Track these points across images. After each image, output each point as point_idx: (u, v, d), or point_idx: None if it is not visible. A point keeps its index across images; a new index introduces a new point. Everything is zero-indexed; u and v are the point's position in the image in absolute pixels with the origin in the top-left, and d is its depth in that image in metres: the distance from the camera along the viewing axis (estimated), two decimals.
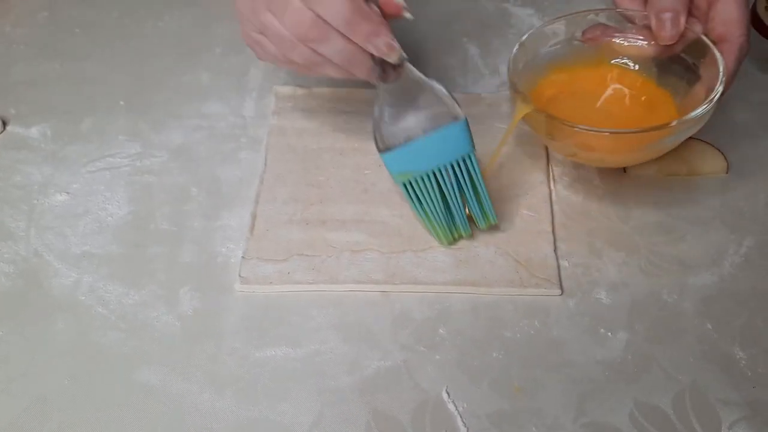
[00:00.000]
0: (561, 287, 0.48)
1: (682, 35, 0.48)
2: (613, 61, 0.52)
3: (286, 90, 0.61)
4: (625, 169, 0.54)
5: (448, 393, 0.44)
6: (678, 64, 0.50)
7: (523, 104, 0.47)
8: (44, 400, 0.44)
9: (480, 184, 0.47)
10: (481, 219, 0.49)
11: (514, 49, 0.51)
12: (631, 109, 0.51)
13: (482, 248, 0.50)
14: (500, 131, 0.56)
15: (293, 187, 0.54)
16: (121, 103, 0.61)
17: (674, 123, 0.45)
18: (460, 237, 0.50)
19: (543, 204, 0.52)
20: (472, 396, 0.43)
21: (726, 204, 0.52)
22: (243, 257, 0.50)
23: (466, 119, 0.45)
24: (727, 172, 0.54)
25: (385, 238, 0.51)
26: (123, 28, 0.68)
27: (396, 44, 0.43)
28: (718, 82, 0.46)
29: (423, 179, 0.46)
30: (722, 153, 0.54)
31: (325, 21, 0.42)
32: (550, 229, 0.51)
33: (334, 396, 0.44)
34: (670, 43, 0.49)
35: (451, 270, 0.49)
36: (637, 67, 0.52)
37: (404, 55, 0.44)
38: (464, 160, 0.46)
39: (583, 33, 0.52)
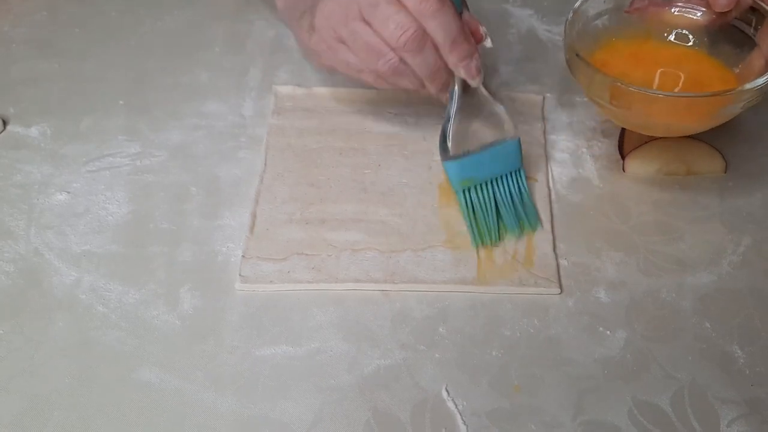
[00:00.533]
0: (560, 286, 0.48)
1: (737, 2, 0.47)
2: (664, 35, 0.51)
3: (286, 89, 0.61)
4: (624, 169, 0.55)
5: (447, 391, 0.44)
6: (731, 34, 0.49)
7: (589, 68, 0.47)
8: (44, 398, 0.44)
9: (526, 195, 0.52)
10: (527, 225, 0.51)
11: (569, 16, 0.50)
12: (688, 80, 0.50)
13: (481, 247, 0.50)
14: None
15: (293, 186, 0.54)
16: (121, 102, 0.61)
17: (747, 86, 0.43)
18: (499, 240, 0.51)
19: (542, 203, 0.52)
20: (472, 394, 0.44)
21: (724, 203, 0.53)
22: (243, 256, 0.50)
23: (519, 138, 0.50)
24: (725, 172, 0.54)
25: (384, 238, 0.51)
26: (122, 28, 0.68)
27: (482, 69, 0.47)
28: None
29: (479, 187, 0.50)
30: (720, 153, 0.54)
31: (428, 34, 0.44)
32: (549, 228, 0.51)
33: (334, 394, 0.44)
34: (726, 10, 0.47)
35: (451, 269, 0.49)
36: (690, 39, 0.50)
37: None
38: (515, 173, 0.51)
39: (630, 3, 0.51)
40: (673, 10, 0.51)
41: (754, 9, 0.47)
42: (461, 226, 0.51)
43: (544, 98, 0.60)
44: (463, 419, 0.43)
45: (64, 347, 0.46)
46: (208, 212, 0.53)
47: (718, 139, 0.55)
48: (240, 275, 0.49)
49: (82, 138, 0.58)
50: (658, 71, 0.51)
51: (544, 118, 0.58)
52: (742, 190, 0.53)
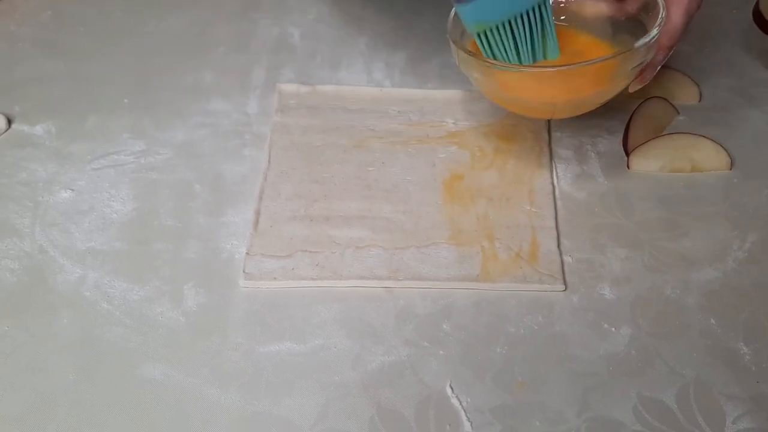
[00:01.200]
0: (564, 283, 0.48)
1: None
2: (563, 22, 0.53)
3: (290, 88, 0.61)
4: (628, 165, 0.54)
5: (451, 388, 0.44)
6: (632, 25, 0.51)
7: (455, 46, 0.49)
8: (49, 394, 0.44)
9: (551, 27, 0.48)
10: (545, 54, 0.50)
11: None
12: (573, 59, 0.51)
13: (485, 244, 0.50)
14: (502, 127, 0.57)
15: (297, 183, 0.54)
16: (126, 101, 0.61)
17: (601, 59, 0.46)
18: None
19: (546, 200, 0.52)
20: (476, 391, 0.43)
21: (729, 200, 0.52)
22: (247, 253, 0.50)
23: None
24: (730, 169, 0.54)
25: (388, 234, 0.51)
26: (127, 28, 0.68)
27: None
28: (658, 22, 0.47)
29: (497, 29, 0.47)
30: (726, 149, 0.54)
31: None
32: (553, 225, 0.51)
33: (338, 391, 0.44)
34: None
35: (455, 266, 0.49)
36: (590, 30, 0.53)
37: None
38: (539, 7, 0.47)
39: None
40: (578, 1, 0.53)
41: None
42: (465, 222, 0.51)
43: None
44: (467, 415, 0.43)
45: (69, 344, 0.46)
46: (213, 209, 0.53)
47: (723, 135, 0.55)
48: (244, 272, 0.49)
49: (87, 136, 0.59)
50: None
51: None
52: (747, 186, 0.53)
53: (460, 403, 0.43)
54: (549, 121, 0.58)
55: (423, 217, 0.52)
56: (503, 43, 0.48)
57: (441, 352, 0.45)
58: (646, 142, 0.54)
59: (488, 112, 0.58)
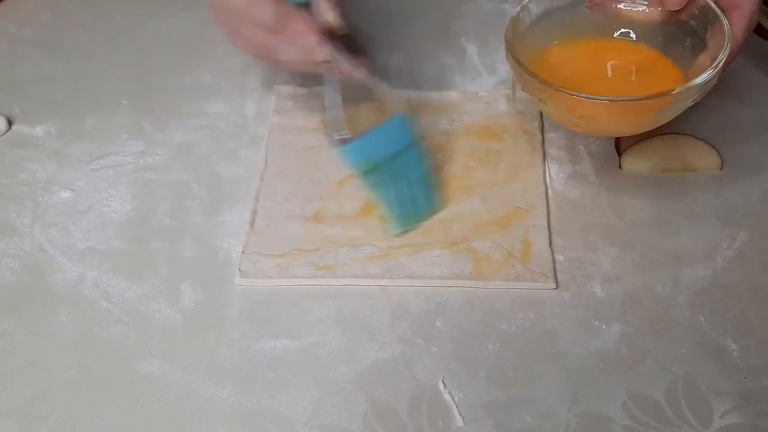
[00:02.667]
0: (556, 281, 0.49)
1: (690, 0, 0.48)
2: (618, 33, 0.52)
3: (287, 89, 0.62)
4: (620, 165, 0.55)
5: (444, 384, 0.44)
6: (684, 33, 0.50)
7: (516, 65, 0.48)
8: (48, 391, 0.45)
9: (424, 173, 0.52)
10: (425, 206, 0.52)
11: (516, 11, 0.50)
12: (636, 78, 0.51)
13: (478, 242, 0.51)
14: (496, 128, 0.57)
15: (293, 183, 0.55)
16: (125, 102, 0.62)
17: (676, 90, 0.44)
18: (415, 224, 0.52)
19: (539, 199, 0.53)
20: (468, 386, 0.44)
21: (720, 199, 0.53)
22: (243, 252, 0.50)
23: (408, 114, 0.50)
24: (721, 169, 0.55)
25: (382, 234, 0.51)
26: (126, 29, 0.69)
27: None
28: (724, 49, 0.45)
29: (378, 169, 0.50)
30: (716, 149, 0.55)
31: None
32: (545, 223, 0.52)
33: (332, 386, 0.44)
34: (678, 8, 0.48)
35: (448, 264, 0.49)
36: (642, 38, 0.52)
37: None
38: (411, 150, 0.51)
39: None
40: (628, 7, 0.52)
41: (706, 8, 0.48)
42: (458, 221, 0.52)
43: None
44: (459, 411, 0.43)
45: (68, 341, 0.47)
46: (210, 209, 0.54)
47: (714, 135, 0.56)
48: (240, 270, 0.49)
49: (86, 137, 0.59)
50: (607, 71, 0.52)
51: (541, 116, 0.59)
52: (737, 186, 0.54)
53: (453, 399, 0.44)
54: (542, 122, 0.58)
55: None
56: (386, 183, 0.51)
57: (434, 348, 0.46)
58: (638, 142, 0.55)
59: (482, 112, 0.59)
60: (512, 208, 0.52)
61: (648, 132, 0.53)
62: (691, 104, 0.47)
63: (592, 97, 0.45)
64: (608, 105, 0.45)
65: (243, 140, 0.59)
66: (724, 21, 0.47)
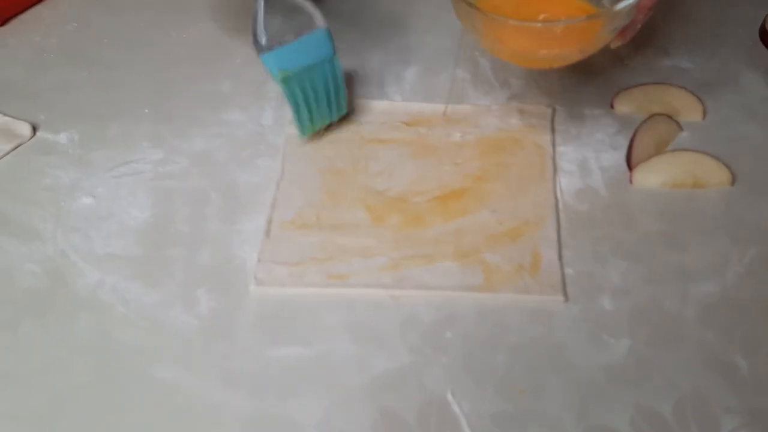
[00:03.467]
0: (565, 294, 0.49)
1: None
2: None
3: None
4: (631, 180, 0.55)
5: (453, 394, 0.45)
6: None
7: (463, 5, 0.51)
8: (65, 393, 0.46)
9: (341, 83, 0.57)
10: (336, 111, 0.59)
11: None
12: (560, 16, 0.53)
13: (489, 254, 0.51)
14: (508, 141, 0.58)
15: (308, 193, 0.56)
16: (146, 110, 0.63)
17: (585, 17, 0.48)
18: (322, 125, 0.59)
19: (549, 212, 0.54)
20: (477, 398, 0.45)
21: (730, 215, 0.53)
22: (258, 260, 0.51)
23: (328, 28, 0.55)
24: (732, 184, 0.55)
25: (394, 244, 0.52)
26: (149, 39, 0.70)
27: None
28: None
29: (298, 76, 0.55)
30: (727, 166, 0.55)
31: None
32: (555, 237, 0.52)
33: (342, 394, 0.45)
34: None
35: (458, 275, 0.50)
36: None
37: None
38: (329, 62, 0.56)
39: None
40: None
41: None
42: (469, 233, 0.52)
43: (554, 110, 0.61)
44: (467, 422, 0.44)
45: (86, 344, 0.48)
46: (227, 217, 0.55)
47: (725, 151, 0.56)
48: (255, 278, 0.50)
49: (108, 144, 0.61)
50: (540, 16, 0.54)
51: (553, 130, 0.59)
52: (748, 202, 0.54)
53: (461, 410, 0.44)
54: (554, 135, 0.59)
55: (429, 227, 0.53)
56: (304, 89, 0.55)
57: (443, 359, 0.47)
58: (650, 158, 0.55)
59: (494, 126, 0.60)
60: (523, 221, 0.53)
61: (659, 147, 0.54)
62: (608, 42, 0.51)
63: (512, 21, 0.49)
64: (520, 27, 0.50)
65: (260, 149, 0.60)
66: None
